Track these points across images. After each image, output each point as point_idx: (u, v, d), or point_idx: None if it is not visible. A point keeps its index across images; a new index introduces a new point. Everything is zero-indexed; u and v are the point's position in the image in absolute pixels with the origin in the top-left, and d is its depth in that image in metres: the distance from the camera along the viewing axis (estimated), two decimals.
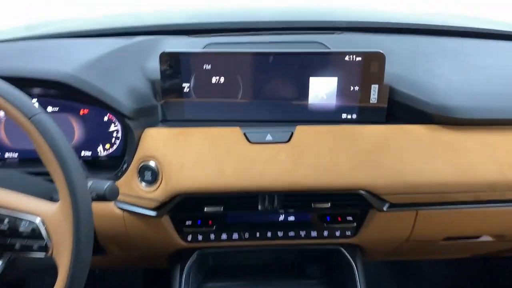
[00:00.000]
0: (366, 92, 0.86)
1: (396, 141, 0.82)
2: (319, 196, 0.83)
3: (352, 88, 0.86)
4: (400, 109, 0.86)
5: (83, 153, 0.91)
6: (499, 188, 0.81)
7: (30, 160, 0.91)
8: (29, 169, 0.83)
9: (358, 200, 0.83)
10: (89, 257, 0.59)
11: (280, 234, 0.90)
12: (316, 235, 0.90)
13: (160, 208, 0.82)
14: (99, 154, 0.91)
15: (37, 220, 0.58)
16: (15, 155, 0.92)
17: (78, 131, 0.91)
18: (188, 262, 0.92)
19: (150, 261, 1.07)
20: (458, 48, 1.02)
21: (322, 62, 0.85)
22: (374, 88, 0.86)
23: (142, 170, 0.81)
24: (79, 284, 0.57)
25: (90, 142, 0.91)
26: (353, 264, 0.93)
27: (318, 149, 0.81)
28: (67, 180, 0.56)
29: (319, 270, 1.01)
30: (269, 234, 0.90)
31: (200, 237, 0.89)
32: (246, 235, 0.90)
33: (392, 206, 0.83)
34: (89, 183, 0.67)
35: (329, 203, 0.83)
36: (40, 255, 0.59)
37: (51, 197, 0.67)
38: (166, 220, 0.85)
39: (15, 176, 0.74)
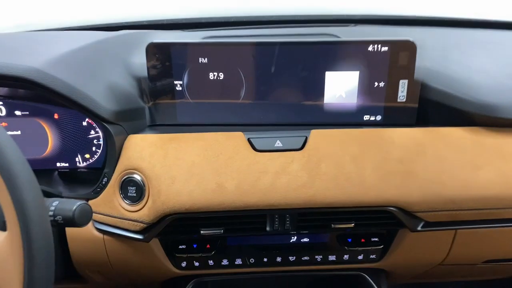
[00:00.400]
0: (393, 89, 0.72)
1: (432, 148, 0.68)
2: (340, 214, 0.69)
3: (376, 84, 0.72)
4: (433, 109, 0.72)
5: (58, 164, 0.77)
6: None
7: None
8: None
9: (386, 218, 0.68)
10: None
11: (291, 258, 0.76)
12: (334, 259, 0.76)
13: (147, 230, 0.68)
14: (77, 165, 0.77)
15: None
16: None
17: (52, 138, 0.76)
18: None
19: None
20: (494, 39, 0.89)
21: (340, 54, 0.70)
22: (403, 84, 0.72)
23: (125, 185, 0.67)
24: None
25: (66, 152, 0.76)
26: None
27: (338, 157, 0.67)
28: (15, 200, 0.42)
29: None
30: (278, 259, 0.76)
31: (196, 264, 0.75)
32: (252, 260, 0.76)
33: (428, 225, 0.69)
34: (54, 203, 0.54)
35: (353, 223, 0.69)
36: None
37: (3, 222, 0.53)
38: (155, 244, 0.71)
39: None
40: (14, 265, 0.43)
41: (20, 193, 0.43)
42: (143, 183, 0.66)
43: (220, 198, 0.65)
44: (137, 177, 0.66)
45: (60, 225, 0.54)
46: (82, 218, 0.53)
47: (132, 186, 0.66)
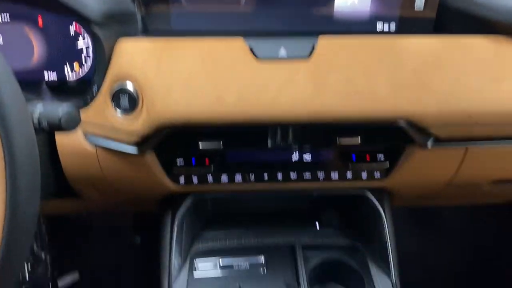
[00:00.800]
0: None
1: (450, 58, 0.62)
2: (347, 130, 0.65)
3: None
4: (452, 17, 0.66)
5: (47, 75, 0.72)
6: None
7: None
8: None
9: (395, 134, 0.65)
10: (33, 213, 0.42)
11: (293, 176, 0.73)
12: (337, 177, 0.73)
13: (142, 143, 0.64)
14: (66, 77, 0.71)
15: None
16: None
17: (38, 48, 0.70)
18: (182, 208, 0.76)
19: (138, 205, 0.91)
20: None
21: None
22: None
23: (117, 94, 0.62)
24: (20, 250, 0.41)
25: (54, 62, 0.70)
26: (381, 211, 0.77)
27: (348, 67, 0.61)
28: None
29: (338, 218, 0.85)
30: (279, 176, 0.73)
31: (195, 180, 0.72)
32: (252, 177, 0.73)
33: (438, 141, 0.65)
34: (37, 107, 0.49)
35: (359, 138, 0.65)
36: None
37: None
38: (151, 158, 0.68)
39: None
40: None
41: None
42: (136, 93, 0.61)
43: (219, 110, 0.61)
44: (129, 86, 0.62)
45: (45, 131, 0.50)
46: (70, 122, 0.49)
47: (125, 95, 0.62)
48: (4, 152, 0.39)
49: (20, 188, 0.40)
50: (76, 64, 0.70)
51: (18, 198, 0.39)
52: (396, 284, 0.74)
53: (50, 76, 0.72)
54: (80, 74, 0.71)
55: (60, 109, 0.49)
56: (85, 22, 0.61)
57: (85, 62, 0.70)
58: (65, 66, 0.71)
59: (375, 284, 0.73)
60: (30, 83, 0.71)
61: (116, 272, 1.33)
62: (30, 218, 0.41)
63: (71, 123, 0.50)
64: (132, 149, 0.64)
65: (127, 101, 0.62)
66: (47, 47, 0.70)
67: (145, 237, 1.41)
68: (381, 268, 0.76)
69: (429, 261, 1.33)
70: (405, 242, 1.37)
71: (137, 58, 0.61)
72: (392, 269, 0.75)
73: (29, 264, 1.28)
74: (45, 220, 1.33)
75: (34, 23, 0.68)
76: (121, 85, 0.62)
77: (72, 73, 0.71)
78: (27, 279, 1.26)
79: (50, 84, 0.72)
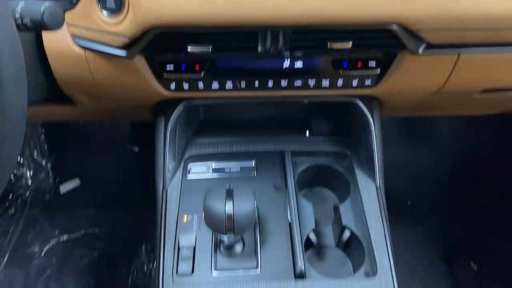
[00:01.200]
0: None
1: None
2: (338, 33, 0.63)
3: None
4: None
5: None
6: None
7: None
8: None
9: (387, 39, 0.64)
10: (21, 112, 0.42)
11: (283, 83, 0.73)
12: (328, 85, 0.73)
13: (130, 46, 0.63)
14: None
15: None
16: None
17: None
18: (174, 114, 0.77)
19: (132, 113, 0.92)
20: None
21: None
22: None
23: None
24: (11, 144, 0.42)
25: None
26: (370, 119, 0.78)
27: None
28: None
29: (328, 125, 0.86)
30: (270, 83, 0.73)
31: (186, 86, 0.72)
32: (242, 84, 0.73)
33: (430, 47, 0.65)
34: (19, 5, 0.48)
35: (351, 42, 0.64)
36: None
37: None
38: (140, 62, 0.67)
39: None
40: None
41: None
42: None
43: (208, 11, 0.59)
44: None
45: (29, 29, 0.49)
46: (53, 20, 0.48)
47: None
48: None
49: (6, 91, 0.40)
50: None
51: (4, 90, 0.40)
52: (379, 187, 0.77)
53: None
54: None
55: (42, 6, 0.47)
56: None
57: None
58: None
59: (360, 187, 0.77)
60: None
61: (116, 178, 1.39)
62: (19, 110, 0.42)
63: (54, 21, 0.49)
64: (120, 52, 0.63)
65: (112, 1, 0.60)
66: None
67: (142, 146, 1.45)
68: (367, 173, 0.79)
69: (419, 169, 1.39)
70: (399, 152, 1.43)
71: None
72: (377, 173, 0.78)
73: (31, 170, 1.33)
74: (43, 129, 1.36)
75: None
76: None
77: None
78: (29, 184, 1.32)
79: None
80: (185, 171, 0.79)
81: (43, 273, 1.21)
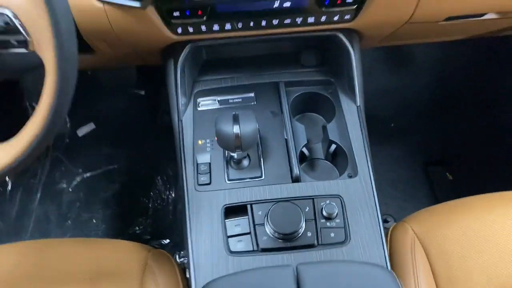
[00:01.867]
0: None
1: None
2: None
3: None
4: None
5: None
6: None
7: None
8: None
9: None
10: (74, 49, 0.55)
11: (275, 22, 0.85)
12: (313, 21, 0.85)
13: None
14: None
15: (8, 12, 0.52)
16: None
17: None
18: (182, 55, 0.89)
19: (143, 58, 1.04)
20: None
21: None
22: None
23: None
24: (69, 79, 0.55)
25: None
26: (350, 49, 0.91)
27: None
28: None
29: (315, 58, 0.99)
30: (263, 22, 0.85)
31: (191, 29, 0.84)
32: (239, 24, 0.84)
33: None
34: None
35: None
36: (22, 50, 0.55)
37: None
38: (152, 12, 0.79)
39: None
40: (42, 19, 0.51)
41: None
42: None
43: None
44: None
45: None
46: None
47: None
48: (46, 4, 0.51)
49: (63, 34, 0.53)
50: None
51: (63, 41, 0.52)
52: (360, 107, 0.91)
53: None
54: None
55: None
56: None
57: None
58: None
59: (343, 108, 0.91)
60: None
61: (126, 119, 1.53)
62: (74, 57, 0.55)
63: None
64: (135, 3, 0.75)
65: None
66: None
67: (147, 89, 1.58)
68: (349, 96, 0.93)
69: (401, 93, 1.53)
70: (383, 80, 1.56)
71: None
72: (357, 96, 0.92)
73: None
74: None
75: None
76: None
77: None
78: None
79: None
80: (195, 104, 0.93)
81: (74, 205, 1.39)
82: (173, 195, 1.40)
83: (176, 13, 0.81)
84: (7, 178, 1.42)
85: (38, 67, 0.71)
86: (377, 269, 0.70)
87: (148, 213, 1.37)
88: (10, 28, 0.53)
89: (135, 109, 1.56)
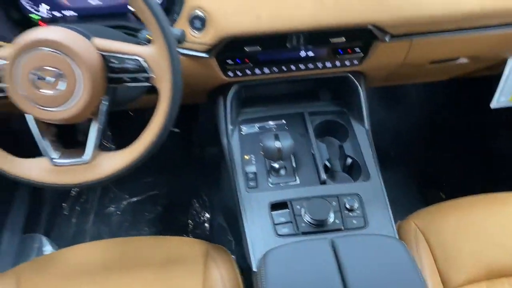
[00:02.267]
0: None
1: None
2: (336, 33, 1.04)
3: None
4: None
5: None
6: (477, 16, 1.03)
7: (86, 17, 1.08)
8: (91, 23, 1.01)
9: (366, 34, 1.04)
10: (181, 83, 0.81)
11: (302, 67, 1.13)
12: (330, 65, 1.13)
13: (209, 50, 1.03)
14: None
15: (141, 59, 0.79)
16: (74, 13, 1.09)
17: None
18: (230, 92, 1.17)
19: (193, 96, 1.31)
20: None
21: None
22: None
23: (192, 19, 0.99)
24: (177, 104, 0.81)
25: None
26: (359, 87, 1.18)
27: None
28: (162, 27, 0.76)
29: (331, 93, 1.27)
30: (293, 67, 1.13)
31: (238, 73, 1.12)
32: (275, 69, 1.13)
33: (393, 37, 1.05)
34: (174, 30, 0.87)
35: (344, 38, 1.05)
36: (146, 84, 0.82)
37: (138, 43, 0.87)
38: (213, 61, 1.07)
39: (104, 29, 0.93)
40: (163, 62, 0.78)
41: (164, 23, 0.76)
42: (205, 17, 0.99)
43: (259, 25, 0.99)
44: (200, 13, 0.98)
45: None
46: (183, 39, 0.88)
47: (197, 20, 0.99)
48: (169, 53, 0.78)
49: (177, 71, 0.79)
50: None
51: (176, 75, 0.79)
52: (368, 130, 1.18)
53: None
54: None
55: (178, 31, 0.86)
56: None
57: None
58: None
59: (355, 130, 1.18)
60: (117, 12, 1.07)
61: (165, 152, 1.78)
62: (181, 87, 0.81)
63: (183, 39, 0.88)
64: (204, 54, 1.03)
65: (199, 23, 0.99)
66: None
67: (181, 127, 1.84)
68: (359, 122, 1.20)
69: (399, 126, 1.81)
70: (382, 114, 1.85)
71: None
72: (365, 122, 1.19)
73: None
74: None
75: None
76: (195, 13, 0.99)
77: None
78: None
79: (134, 13, 1.09)
80: (240, 130, 1.20)
81: (123, 225, 1.61)
82: (208, 215, 1.63)
83: (230, 61, 1.09)
84: (64, 204, 1.66)
85: (138, 98, 0.99)
86: (393, 239, 0.93)
87: (187, 230, 1.59)
88: (140, 69, 0.80)
89: (172, 143, 1.82)
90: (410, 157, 1.77)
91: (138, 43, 0.87)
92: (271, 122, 1.21)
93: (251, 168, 1.10)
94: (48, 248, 1.49)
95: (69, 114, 0.79)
